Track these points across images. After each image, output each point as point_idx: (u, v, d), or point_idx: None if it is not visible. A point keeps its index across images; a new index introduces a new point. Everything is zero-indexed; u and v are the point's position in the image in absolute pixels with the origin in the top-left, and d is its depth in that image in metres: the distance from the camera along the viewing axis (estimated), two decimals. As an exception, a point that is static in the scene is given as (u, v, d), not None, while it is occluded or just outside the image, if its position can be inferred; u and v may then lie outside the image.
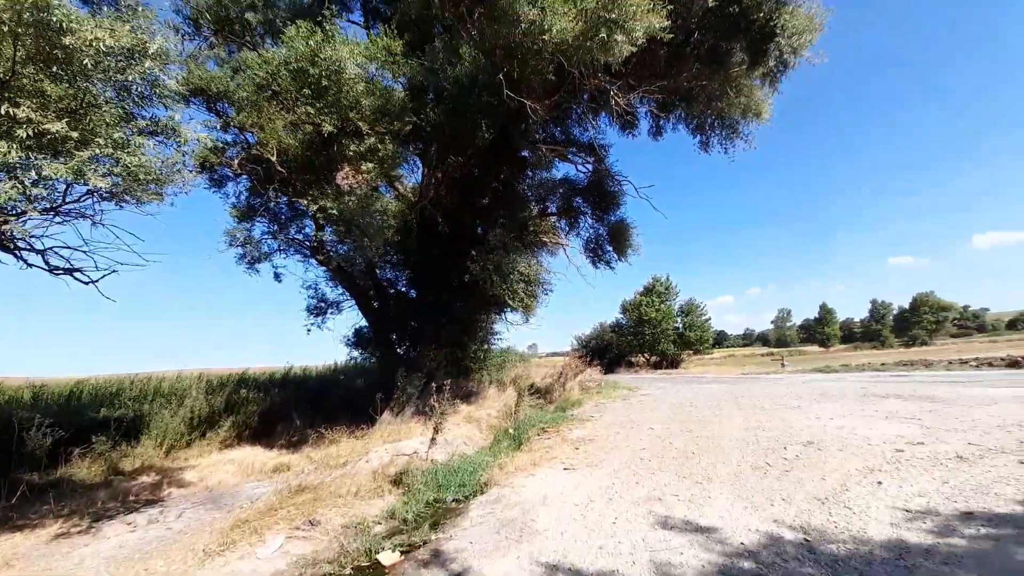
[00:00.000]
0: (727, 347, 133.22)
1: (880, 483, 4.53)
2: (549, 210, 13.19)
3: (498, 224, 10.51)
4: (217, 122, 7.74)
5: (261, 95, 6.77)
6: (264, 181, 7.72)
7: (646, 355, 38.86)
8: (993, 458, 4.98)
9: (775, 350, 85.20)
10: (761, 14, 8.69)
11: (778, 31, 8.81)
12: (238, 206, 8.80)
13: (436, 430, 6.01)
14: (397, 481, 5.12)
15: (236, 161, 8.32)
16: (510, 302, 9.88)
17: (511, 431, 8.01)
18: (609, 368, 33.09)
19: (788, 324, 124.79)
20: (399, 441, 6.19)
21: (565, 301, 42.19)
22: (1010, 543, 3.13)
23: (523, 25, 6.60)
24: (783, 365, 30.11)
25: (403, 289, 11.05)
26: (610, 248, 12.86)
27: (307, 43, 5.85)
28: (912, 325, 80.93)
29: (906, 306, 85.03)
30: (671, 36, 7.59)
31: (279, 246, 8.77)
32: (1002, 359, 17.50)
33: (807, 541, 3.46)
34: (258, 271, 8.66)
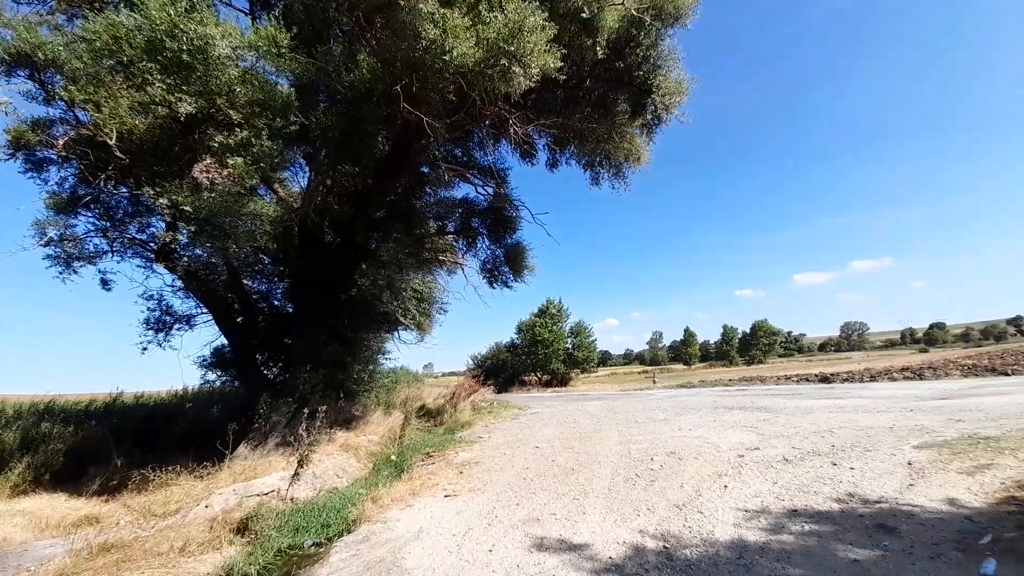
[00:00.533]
0: (610, 366, 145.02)
1: (726, 487, 5.12)
2: (448, 229, 13.10)
3: (393, 239, 10.10)
4: (37, 91, 6.27)
5: (101, 66, 5.64)
6: (97, 167, 6.38)
7: (538, 374, 40.37)
8: (812, 460, 5.90)
9: (649, 368, 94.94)
10: (641, 72, 9.88)
11: (654, 89, 10.07)
12: (58, 194, 7.12)
13: (301, 463, 5.31)
14: (243, 528, 4.35)
15: (61, 141, 6.79)
16: (402, 319, 9.46)
17: (393, 458, 7.49)
18: (503, 387, 33.54)
19: (660, 345, 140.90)
20: (254, 479, 5.30)
21: (465, 320, 42.52)
22: (831, 540, 3.57)
23: (423, 42, 6.56)
24: (654, 382, 33.56)
25: (277, 303, 9.91)
26: (507, 269, 13.15)
27: (165, 11, 5.03)
28: (752, 347, 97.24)
29: (748, 330, 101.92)
30: (565, 79, 8.22)
31: (111, 246, 7.23)
32: (816, 375, 21.66)
33: (666, 548, 3.72)
34: (78, 274, 6.99)
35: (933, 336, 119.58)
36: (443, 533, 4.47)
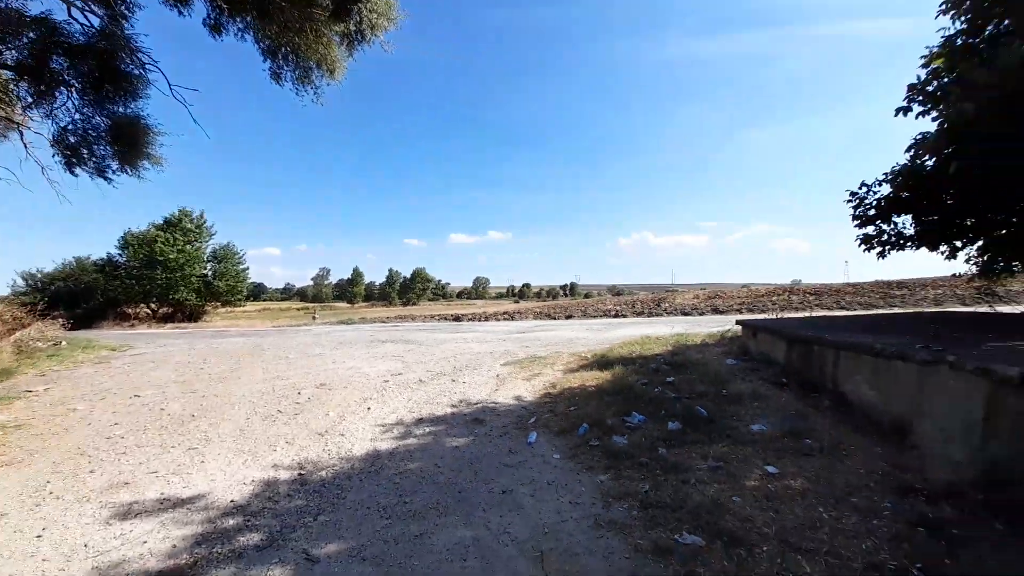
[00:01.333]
0: (264, 300, 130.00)
1: (370, 408, 5.52)
2: (2, 57, 7.59)
3: None
4: None
5: None
6: None
7: (154, 305, 31.04)
8: (439, 379, 7.17)
9: (310, 305, 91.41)
10: (352, -33, 8.61)
11: (362, -1, 9.04)
12: None
13: None
14: None
15: None
16: None
17: None
18: (87, 322, 23.95)
19: (326, 282, 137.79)
20: None
21: (16, 218, 26.75)
22: (443, 435, 4.48)
23: None
24: (314, 318, 32.50)
25: None
26: (110, 151, 8.97)
27: None
28: (410, 290, 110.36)
29: (409, 276, 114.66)
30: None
31: None
32: (451, 316, 26.68)
33: (301, 476, 3.62)
34: None
35: (523, 292, 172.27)
36: (-90, 542, 2.67)
